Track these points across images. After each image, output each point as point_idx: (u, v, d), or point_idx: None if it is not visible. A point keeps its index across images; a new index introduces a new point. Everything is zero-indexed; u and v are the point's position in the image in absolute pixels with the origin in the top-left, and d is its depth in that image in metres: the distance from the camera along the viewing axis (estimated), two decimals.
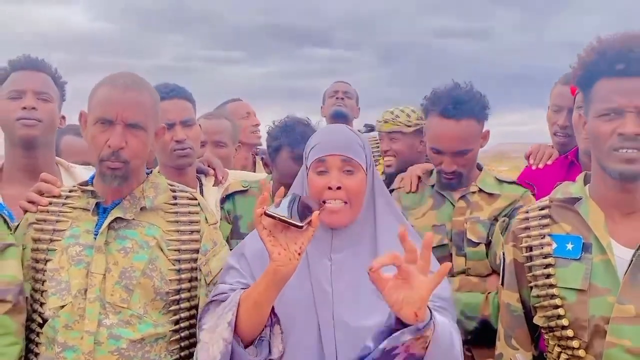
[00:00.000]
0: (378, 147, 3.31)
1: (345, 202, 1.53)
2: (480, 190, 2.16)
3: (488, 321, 2.02)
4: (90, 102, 1.67)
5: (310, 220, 1.39)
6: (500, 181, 2.19)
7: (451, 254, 2.10)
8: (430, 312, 1.34)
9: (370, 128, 3.46)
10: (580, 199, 1.60)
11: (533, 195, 2.17)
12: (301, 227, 1.38)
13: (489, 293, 2.05)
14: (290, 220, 1.37)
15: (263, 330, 1.47)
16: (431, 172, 2.28)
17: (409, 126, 2.69)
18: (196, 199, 1.77)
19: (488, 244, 2.08)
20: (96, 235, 1.62)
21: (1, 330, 1.54)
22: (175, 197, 1.74)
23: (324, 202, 1.53)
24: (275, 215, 1.37)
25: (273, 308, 1.46)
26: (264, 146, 3.52)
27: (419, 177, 2.29)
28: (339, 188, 1.52)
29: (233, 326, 1.43)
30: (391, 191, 2.31)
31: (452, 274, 2.09)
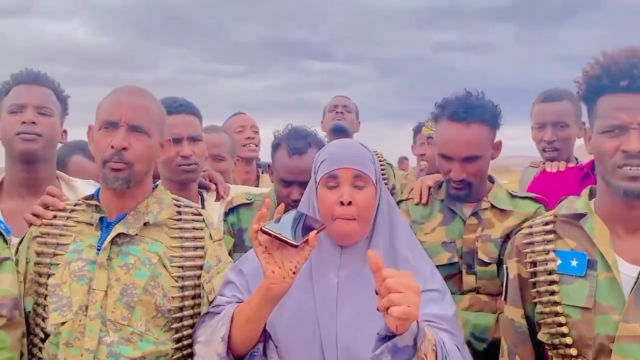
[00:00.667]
0: (382, 167, 3.32)
1: (355, 219, 1.51)
2: (492, 207, 2.10)
3: (498, 343, 1.97)
4: (97, 112, 1.68)
5: (307, 240, 1.38)
6: (513, 196, 2.13)
7: (461, 272, 2.06)
8: (419, 331, 1.27)
9: None
10: (585, 214, 1.58)
11: (547, 210, 2.11)
12: (296, 246, 1.36)
13: (499, 314, 2.00)
14: (285, 238, 1.36)
15: (256, 345, 1.46)
16: (441, 184, 2.22)
17: None
18: (201, 215, 1.75)
19: (499, 263, 2.01)
20: (99, 250, 1.61)
21: None
22: (179, 213, 1.72)
23: (335, 218, 1.51)
24: (271, 232, 1.36)
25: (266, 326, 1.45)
26: (263, 161, 3.54)
27: (429, 189, 2.23)
28: (349, 203, 1.51)
29: (226, 341, 1.43)
30: (400, 202, 2.28)
31: (462, 292, 2.06)
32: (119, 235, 1.62)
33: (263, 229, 1.36)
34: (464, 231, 2.09)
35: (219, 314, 1.50)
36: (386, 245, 1.56)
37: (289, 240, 1.36)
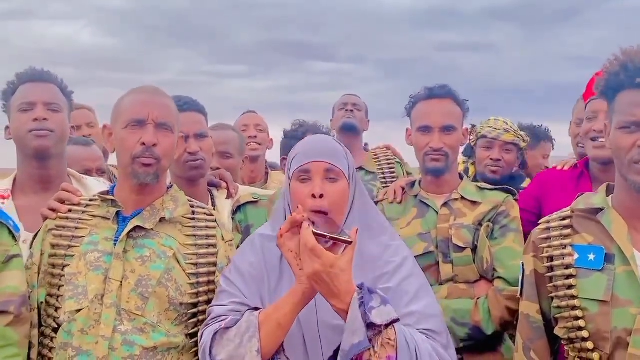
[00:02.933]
0: (389, 162, 3.31)
1: (326, 212, 1.52)
2: (463, 198, 2.17)
3: (479, 327, 2.00)
4: (117, 112, 1.73)
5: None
6: (482, 189, 2.23)
7: (438, 262, 2.09)
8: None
9: None
10: (603, 209, 1.58)
11: (515, 200, 2.18)
12: (351, 242, 1.37)
13: (478, 298, 2.04)
14: (340, 237, 1.37)
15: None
16: (413, 183, 2.30)
17: (525, 142, 2.81)
18: (213, 215, 1.81)
19: (474, 249, 2.07)
20: (116, 242, 1.64)
21: (3, 342, 1.53)
22: (193, 212, 1.78)
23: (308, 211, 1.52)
24: (325, 233, 1.37)
25: None
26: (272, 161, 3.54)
27: (403, 189, 2.31)
28: (321, 196, 1.52)
29: (261, 353, 1.42)
30: (375, 203, 2.32)
31: (440, 282, 2.09)
32: (134, 229, 1.66)
33: (315, 231, 1.36)
34: (438, 221, 2.14)
35: (231, 327, 1.47)
36: (361, 238, 1.56)
37: (344, 239, 1.36)
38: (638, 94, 1.48)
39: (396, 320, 1.38)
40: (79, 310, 1.59)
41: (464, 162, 3.20)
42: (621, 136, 1.49)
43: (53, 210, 1.75)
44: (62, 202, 1.77)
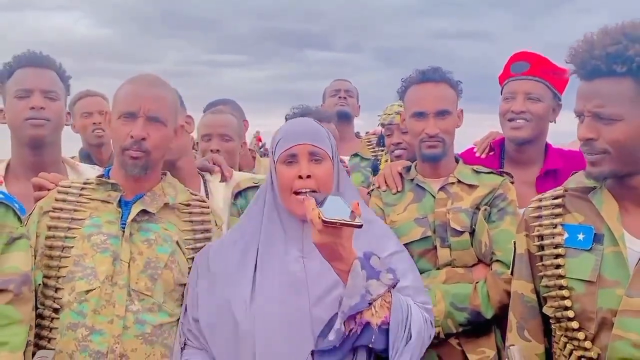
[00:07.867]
0: (382, 148, 3.30)
1: (315, 191, 1.54)
2: (459, 182, 2.16)
3: (478, 312, 1.99)
4: (114, 101, 1.76)
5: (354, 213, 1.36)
6: (478, 172, 2.20)
7: (435, 247, 2.08)
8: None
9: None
10: (595, 188, 1.57)
11: (512, 183, 2.17)
12: (361, 225, 1.33)
13: (477, 282, 2.03)
14: (352, 223, 1.32)
15: None
16: (409, 168, 2.27)
17: None
18: (206, 202, 1.87)
19: (472, 233, 2.06)
20: (123, 225, 1.69)
21: (5, 321, 1.52)
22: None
23: (295, 192, 1.54)
24: (335, 220, 1.32)
25: None
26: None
27: (400, 174, 2.28)
28: (308, 177, 1.54)
29: None
30: (370, 192, 2.34)
31: (437, 267, 2.08)
32: (138, 213, 1.70)
33: (325, 219, 1.30)
34: (435, 205, 2.13)
35: None
36: None
37: (354, 223, 1.32)
38: (580, 85, 1.51)
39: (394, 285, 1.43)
40: (88, 291, 1.63)
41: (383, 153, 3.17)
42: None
43: (42, 188, 1.83)
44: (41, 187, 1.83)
